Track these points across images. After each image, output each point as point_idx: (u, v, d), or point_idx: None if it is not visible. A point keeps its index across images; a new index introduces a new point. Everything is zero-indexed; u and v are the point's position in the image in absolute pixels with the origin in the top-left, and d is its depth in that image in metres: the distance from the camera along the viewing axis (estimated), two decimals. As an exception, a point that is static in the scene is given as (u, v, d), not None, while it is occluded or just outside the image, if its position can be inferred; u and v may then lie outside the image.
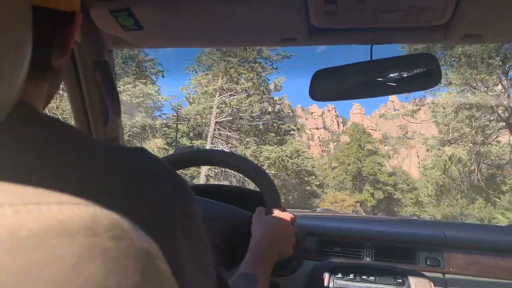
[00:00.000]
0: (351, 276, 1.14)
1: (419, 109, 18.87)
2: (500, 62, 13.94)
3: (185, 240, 0.41)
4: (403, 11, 0.82)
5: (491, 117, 16.21)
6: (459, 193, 20.77)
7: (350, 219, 1.47)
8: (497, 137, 17.11)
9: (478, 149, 17.55)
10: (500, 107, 15.37)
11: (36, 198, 0.17)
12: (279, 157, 21.19)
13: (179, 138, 21.83)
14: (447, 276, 1.14)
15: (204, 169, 18.98)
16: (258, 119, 21.17)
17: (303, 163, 24.25)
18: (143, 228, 0.22)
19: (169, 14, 0.90)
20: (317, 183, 28.30)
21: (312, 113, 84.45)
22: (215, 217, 0.98)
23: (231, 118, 20.61)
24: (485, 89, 15.14)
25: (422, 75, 0.98)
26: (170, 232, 0.39)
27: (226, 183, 17.82)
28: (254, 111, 20.43)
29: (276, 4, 0.84)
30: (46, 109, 0.48)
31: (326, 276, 1.16)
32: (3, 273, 0.14)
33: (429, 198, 23.65)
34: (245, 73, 20.28)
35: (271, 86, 21.73)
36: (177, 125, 21.48)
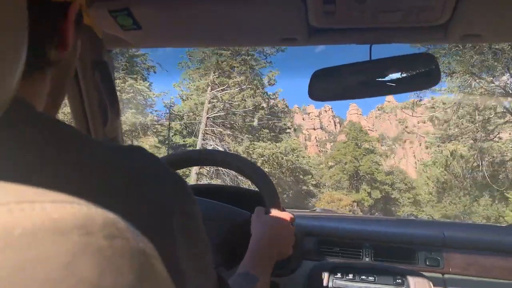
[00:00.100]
0: (351, 276, 1.15)
1: (421, 99, 18.34)
2: (510, 47, 12.73)
3: (185, 240, 0.41)
4: (403, 11, 0.83)
5: (497, 109, 15.41)
6: (462, 190, 20.23)
7: (349, 219, 1.47)
8: (499, 133, 16.59)
9: (480, 145, 16.97)
10: (509, 98, 14.49)
11: (31, 197, 0.17)
12: (273, 154, 20.69)
13: (172, 136, 21.37)
14: (446, 276, 1.14)
15: (195, 167, 18.25)
16: (251, 115, 20.53)
17: (298, 160, 23.85)
18: (143, 228, 0.22)
19: (168, 14, 0.90)
20: (314, 182, 28.18)
21: (309, 113, 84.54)
22: (215, 217, 0.99)
23: (223, 114, 19.94)
24: (491, 78, 14.34)
25: (421, 75, 0.98)
26: (170, 232, 0.39)
27: (219, 181, 17.60)
28: (247, 106, 19.74)
29: (276, 4, 0.84)
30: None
31: (326, 276, 1.16)
32: None
33: (430, 195, 23.10)
34: (237, 67, 19.62)
35: (265, 80, 20.76)
36: (169, 123, 21.07)
